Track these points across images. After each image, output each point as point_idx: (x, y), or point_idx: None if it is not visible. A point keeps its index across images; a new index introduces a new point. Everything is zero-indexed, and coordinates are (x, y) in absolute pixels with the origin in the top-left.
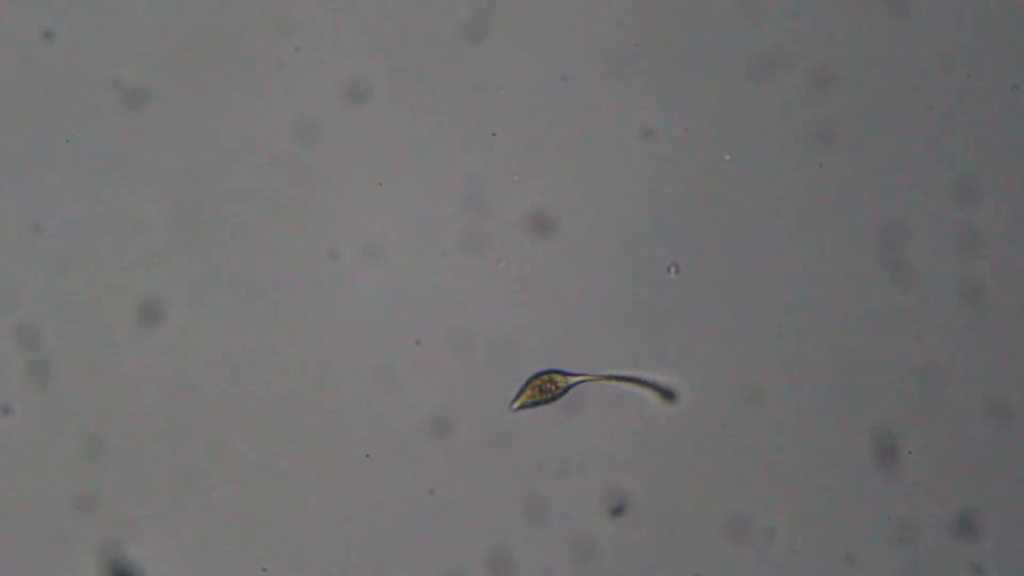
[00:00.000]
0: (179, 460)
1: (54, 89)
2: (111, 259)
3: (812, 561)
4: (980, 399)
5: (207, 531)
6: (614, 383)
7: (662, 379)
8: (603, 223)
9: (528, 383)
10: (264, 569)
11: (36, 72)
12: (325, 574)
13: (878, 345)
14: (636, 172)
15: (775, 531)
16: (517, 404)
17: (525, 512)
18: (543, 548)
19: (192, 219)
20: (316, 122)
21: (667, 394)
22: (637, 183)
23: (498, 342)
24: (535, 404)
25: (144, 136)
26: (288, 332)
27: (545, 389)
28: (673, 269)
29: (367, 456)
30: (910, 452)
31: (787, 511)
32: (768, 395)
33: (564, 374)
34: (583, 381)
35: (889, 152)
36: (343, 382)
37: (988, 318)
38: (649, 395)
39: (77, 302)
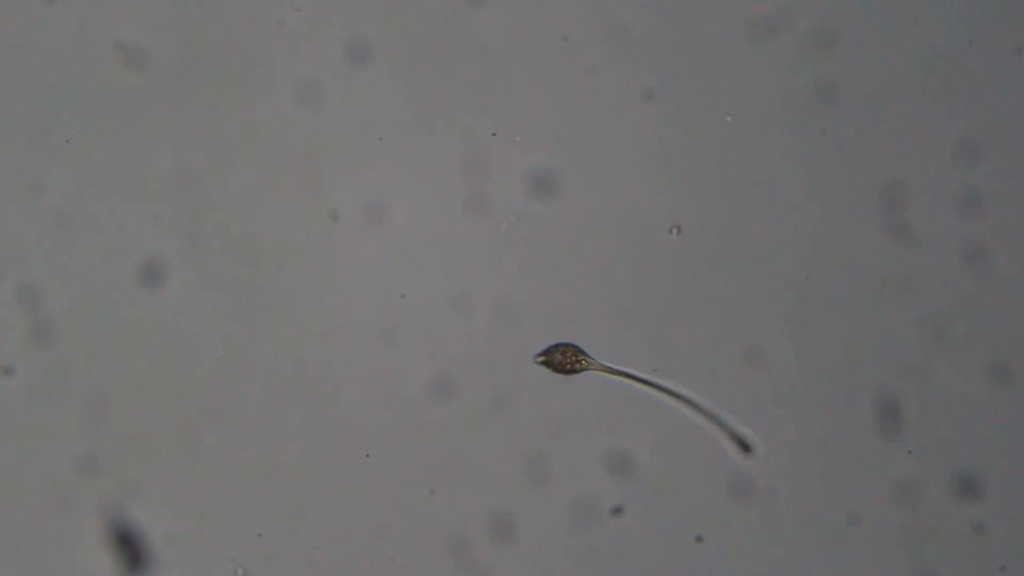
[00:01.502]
0: (181, 420)
1: (56, 50)
2: (112, 220)
3: (815, 522)
4: (982, 359)
5: (208, 492)
6: (631, 382)
7: (681, 390)
8: (605, 184)
9: (558, 345)
10: (259, 535)
11: (38, 33)
12: (322, 537)
13: (879, 305)
14: (638, 133)
15: (777, 492)
16: (541, 359)
17: (527, 473)
18: (545, 508)
19: (193, 180)
20: (317, 83)
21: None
22: (639, 144)
23: (500, 303)
24: (551, 367)
25: (145, 97)
26: (289, 293)
27: (567, 360)
28: (674, 230)
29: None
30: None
31: (789, 472)
32: (769, 355)
33: (589, 357)
34: (604, 372)
35: (891, 112)
36: (344, 343)
37: (989, 278)
38: (668, 401)
39: (79, 263)
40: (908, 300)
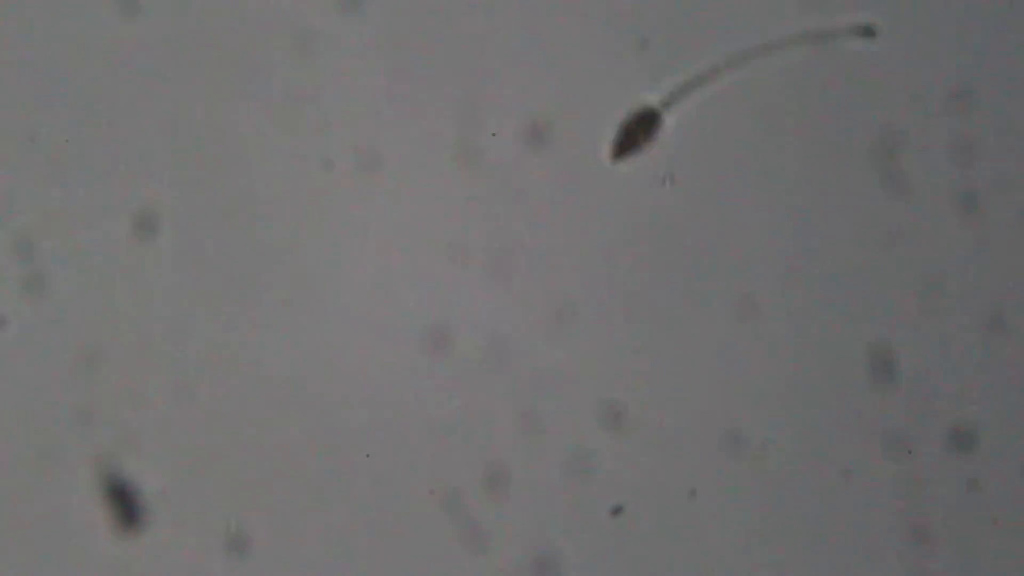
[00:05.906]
0: (175, 372)
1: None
2: (107, 170)
3: (808, 476)
4: (976, 310)
5: (203, 445)
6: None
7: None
8: (598, 132)
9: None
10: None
11: None
12: (315, 491)
13: (873, 255)
14: (631, 81)
15: (771, 446)
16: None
17: (520, 426)
18: (539, 462)
19: (187, 130)
20: (311, 33)
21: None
22: (632, 92)
23: (494, 254)
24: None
25: (138, 45)
26: (283, 241)
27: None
28: (668, 180)
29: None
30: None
31: (783, 425)
32: (763, 307)
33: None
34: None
35: (884, 60)
36: (337, 292)
37: (984, 228)
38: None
39: (73, 213)
40: (902, 250)
